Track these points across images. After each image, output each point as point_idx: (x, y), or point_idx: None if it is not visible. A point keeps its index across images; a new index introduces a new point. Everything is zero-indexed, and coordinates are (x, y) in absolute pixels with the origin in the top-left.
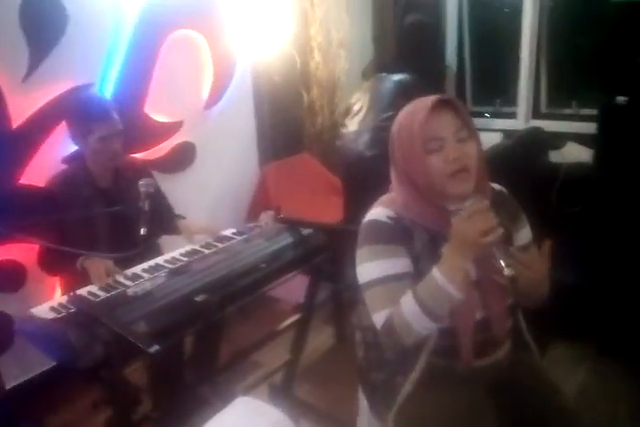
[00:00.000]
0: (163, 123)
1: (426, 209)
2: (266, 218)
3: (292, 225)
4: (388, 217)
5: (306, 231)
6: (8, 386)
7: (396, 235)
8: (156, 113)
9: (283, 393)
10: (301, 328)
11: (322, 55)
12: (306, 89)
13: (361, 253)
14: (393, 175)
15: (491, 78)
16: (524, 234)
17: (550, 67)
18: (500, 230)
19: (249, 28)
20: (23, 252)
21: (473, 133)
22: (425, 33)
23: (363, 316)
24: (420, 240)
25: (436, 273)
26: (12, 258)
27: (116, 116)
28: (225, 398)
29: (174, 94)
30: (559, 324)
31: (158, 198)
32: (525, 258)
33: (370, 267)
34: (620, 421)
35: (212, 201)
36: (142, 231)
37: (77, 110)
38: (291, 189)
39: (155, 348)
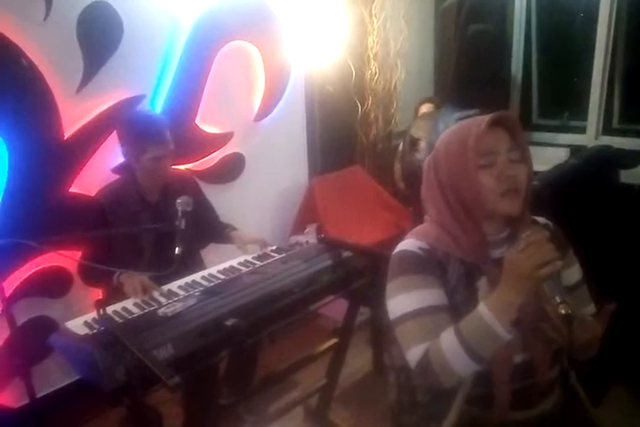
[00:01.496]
0: (213, 134)
1: (465, 237)
2: (308, 235)
3: (332, 246)
4: (420, 248)
5: (346, 253)
6: (39, 395)
7: (428, 266)
8: (207, 124)
9: (318, 417)
10: (339, 353)
11: (378, 65)
12: (360, 99)
13: (391, 286)
14: (431, 201)
15: (559, 90)
16: (573, 272)
17: (625, 78)
18: (560, 263)
19: (304, 38)
20: (70, 258)
21: (526, 157)
22: (489, 43)
23: (396, 356)
24: (455, 272)
25: (483, 309)
26: (59, 264)
27: (169, 136)
28: (259, 418)
29: (226, 106)
30: (620, 366)
31: (203, 211)
32: (581, 318)
33: (402, 299)
34: None
35: (259, 213)
36: (177, 251)
37: (132, 129)
38: (339, 203)
39: (175, 380)
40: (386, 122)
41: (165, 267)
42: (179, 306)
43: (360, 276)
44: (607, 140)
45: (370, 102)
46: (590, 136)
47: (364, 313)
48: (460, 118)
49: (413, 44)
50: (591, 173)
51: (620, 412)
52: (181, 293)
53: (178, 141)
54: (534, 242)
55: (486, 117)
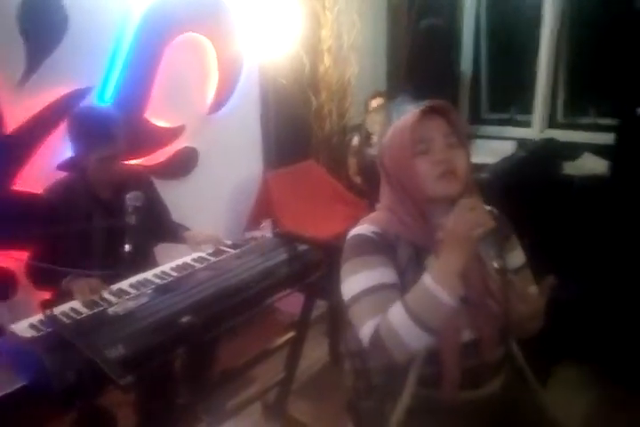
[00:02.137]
0: (164, 128)
1: (411, 220)
2: (264, 230)
3: (288, 240)
4: (372, 232)
5: (302, 247)
6: None
7: (379, 247)
8: (158, 118)
9: (276, 412)
10: (296, 346)
11: (332, 58)
12: (314, 93)
13: (344, 268)
14: (382, 188)
15: (507, 85)
16: (517, 256)
17: (569, 74)
18: (492, 222)
19: (257, 31)
20: (15, 259)
21: (463, 142)
22: (440, 37)
23: (350, 341)
24: (405, 254)
25: (426, 278)
26: (3, 266)
27: (120, 135)
28: (217, 416)
29: (177, 99)
30: (564, 346)
31: (156, 208)
32: (521, 289)
33: (354, 280)
34: None
35: (214, 208)
36: (127, 248)
37: (80, 128)
38: (294, 197)
39: (127, 379)
40: (340, 116)
41: (115, 266)
42: (130, 304)
43: (316, 269)
44: (552, 134)
45: (324, 96)
46: (536, 130)
47: (320, 306)
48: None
49: (366, 37)
50: (536, 164)
51: (566, 391)
52: (133, 291)
53: (127, 136)
54: (467, 206)
55: (421, 107)
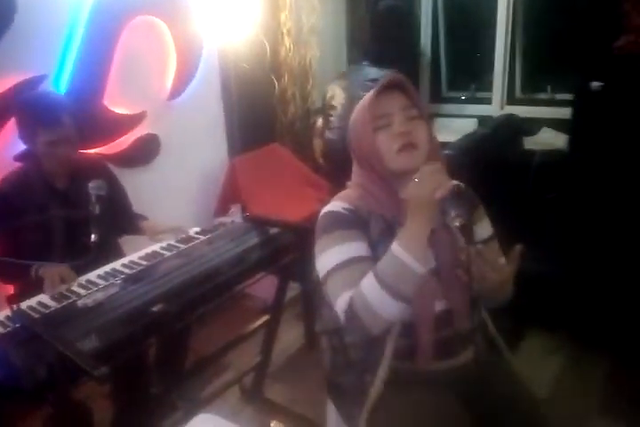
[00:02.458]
0: (123, 115)
1: (381, 195)
2: (233, 215)
3: (258, 224)
4: (344, 208)
5: (273, 230)
6: None
7: (351, 222)
8: (116, 105)
9: (253, 395)
10: (270, 330)
11: (292, 42)
12: (277, 77)
13: (318, 245)
14: (353, 165)
15: (466, 63)
16: (484, 228)
17: (525, 52)
18: (451, 183)
19: (215, 14)
20: None
21: (423, 114)
22: (398, 18)
23: (327, 319)
24: (377, 228)
25: (394, 246)
26: None
27: (67, 120)
28: (193, 403)
29: (136, 85)
30: (534, 314)
31: (117, 197)
32: (490, 258)
33: (328, 255)
34: (593, 406)
35: (179, 196)
36: (93, 238)
37: (24, 111)
38: (261, 181)
39: (101, 371)
40: (303, 99)
41: (81, 256)
42: (99, 295)
43: (288, 251)
44: (511, 110)
45: (286, 79)
46: (496, 106)
47: (293, 289)
48: (373, 79)
49: (326, 20)
50: (497, 140)
51: (535, 356)
52: (101, 282)
53: (84, 124)
54: (427, 171)
55: (379, 83)
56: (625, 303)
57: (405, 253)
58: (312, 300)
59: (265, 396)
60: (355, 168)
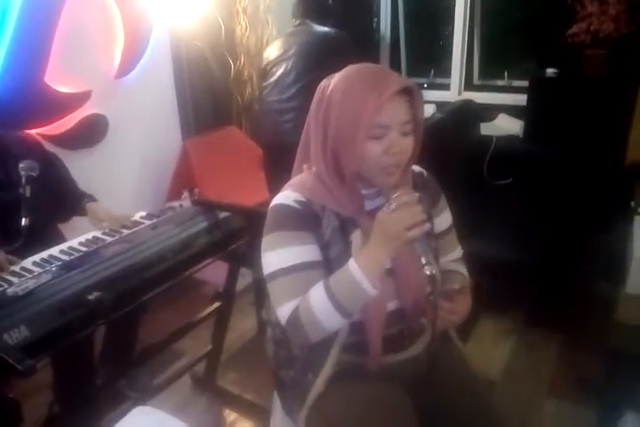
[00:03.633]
0: (67, 93)
1: (341, 196)
2: (185, 200)
3: (207, 207)
4: (296, 201)
5: (223, 214)
6: None
7: (303, 221)
8: (59, 83)
9: (205, 384)
10: (222, 317)
11: (249, 20)
12: (232, 57)
13: (266, 240)
14: (313, 151)
15: (425, 49)
16: (444, 219)
17: (483, 39)
18: (427, 226)
19: None
20: None
21: (417, 128)
22: (357, 2)
23: (272, 311)
24: (330, 226)
25: (352, 264)
26: None
27: None
28: (144, 393)
29: (80, 62)
30: (487, 297)
31: (55, 178)
32: (449, 305)
33: (275, 255)
34: (542, 389)
35: (129, 179)
36: (24, 222)
37: None
38: (215, 164)
39: (27, 363)
40: (260, 79)
41: (12, 241)
42: (30, 283)
43: (239, 236)
44: (469, 96)
45: (243, 60)
46: (454, 92)
47: (248, 275)
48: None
49: None
50: (454, 126)
51: (487, 339)
52: (37, 269)
53: (24, 102)
54: (404, 204)
55: (388, 86)
56: (574, 287)
57: (362, 274)
58: (263, 287)
59: (217, 384)
60: (318, 156)
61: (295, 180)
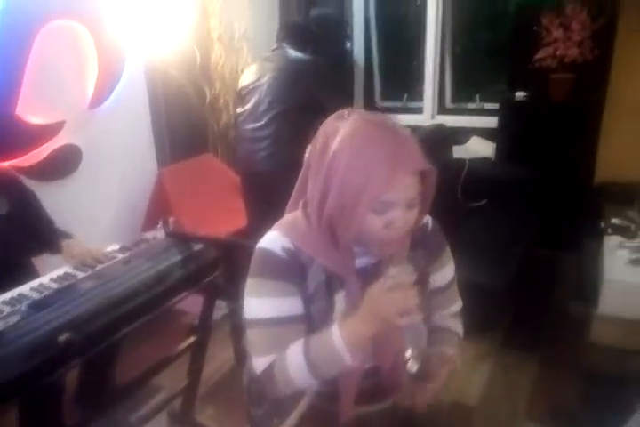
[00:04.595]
0: (38, 125)
1: (329, 248)
2: (160, 229)
3: (181, 239)
4: (284, 249)
5: (197, 246)
6: None
7: (288, 271)
8: (31, 114)
9: (183, 420)
10: (198, 351)
11: (224, 48)
12: (208, 84)
13: (250, 284)
14: (310, 200)
15: (398, 74)
16: (445, 274)
17: (454, 63)
18: (419, 317)
19: (142, 18)
20: None
21: (425, 202)
22: (331, 27)
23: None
24: (315, 280)
25: (335, 334)
26: None
27: None
28: None
29: (53, 93)
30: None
31: (27, 214)
32: (432, 386)
33: (257, 303)
34: (520, 412)
35: (103, 210)
36: None
37: None
38: (192, 192)
39: None
40: (236, 107)
41: None
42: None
43: (213, 268)
44: (442, 119)
45: (218, 87)
46: (427, 116)
47: (224, 305)
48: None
49: (258, 26)
50: (428, 151)
51: (463, 367)
52: (6, 309)
53: None
54: (400, 285)
55: (402, 165)
56: (548, 307)
57: (345, 348)
58: (240, 319)
59: (196, 420)
60: (313, 210)
61: (288, 219)
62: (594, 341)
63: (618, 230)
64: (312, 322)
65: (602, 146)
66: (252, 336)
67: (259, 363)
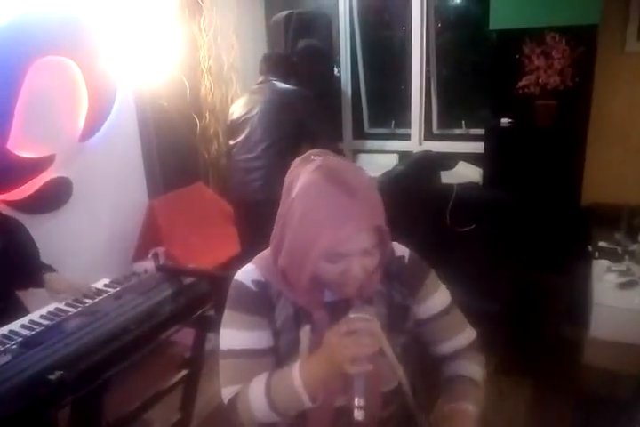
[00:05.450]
0: (28, 159)
1: (297, 283)
2: (151, 260)
3: (172, 273)
4: (254, 281)
5: (188, 279)
6: None
7: (257, 304)
8: (22, 148)
9: None
10: (190, 384)
11: (213, 79)
12: (198, 114)
13: (225, 315)
14: (272, 240)
15: (386, 100)
16: (434, 303)
17: (440, 89)
18: (370, 367)
19: (131, 52)
20: None
21: (385, 246)
22: (318, 57)
23: None
24: (283, 314)
25: (295, 373)
26: None
27: None
28: None
29: (43, 127)
30: None
31: (17, 249)
32: None
33: (228, 335)
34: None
35: (95, 241)
36: None
37: None
38: (183, 223)
39: None
40: (226, 137)
41: None
42: None
43: (204, 302)
44: (429, 145)
45: (208, 117)
46: (415, 142)
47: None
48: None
49: (247, 57)
50: (414, 177)
51: None
52: None
53: None
54: (356, 331)
55: (347, 224)
56: (541, 331)
57: (302, 386)
58: None
59: None
60: (276, 249)
61: (264, 253)
62: (587, 364)
63: (605, 254)
64: (279, 356)
65: (587, 169)
66: (222, 366)
67: (225, 393)
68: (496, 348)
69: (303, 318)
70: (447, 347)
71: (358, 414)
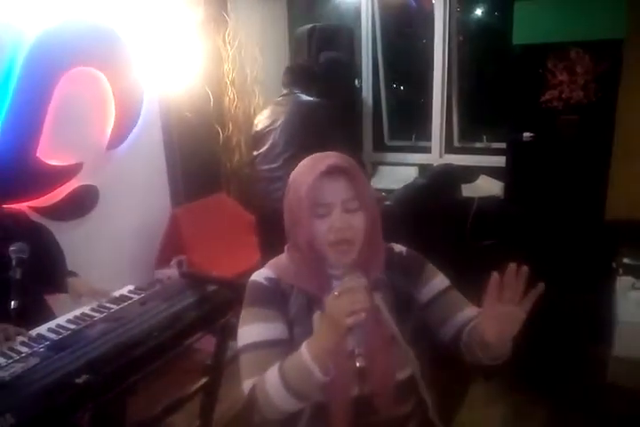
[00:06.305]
0: (57, 167)
1: (305, 270)
2: (173, 268)
3: (195, 280)
4: (266, 278)
5: (210, 287)
6: None
7: (271, 298)
8: (51, 157)
9: None
10: (210, 392)
11: (236, 91)
12: (221, 125)
13: (242, 314)
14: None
15: (407, 114)
16: (436, 283)
17: (461, 102)
18: (362, 315)
19: (157, 64)
20: None
21: (364, 205)
22: (340, 70)
23: None
24: (296, 304)
25: (304, 350)
26: None
27: None
28: None
29: (72, 136)
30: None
31: (46, 255)
32: (480, 339)
33: (246, 330)
34: None
35: (118, 248)
36: (13, 304)
37: None
38: (204, 232)
39: None
40: (248, 147)
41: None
42: (18, 368)
43: (227, 310)
44: (450, 158)
45: (231, 128)
46: (435, 155)
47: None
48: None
49: (270, 70)
50: (434, 190)
51: (476, 411)
52: (24, 350)
53: (15, 177)
54: (347, 290)
55: (321, 166)
56: (563, 349)
57: (312, 360)
58: None
59: None
60: (287, 232)
61: (276, 258)
62: (612, 383)
63: (629, 271)
64: (295, 346)
65: (611, 185)
66: (241, 362)
67: (246, 386)
68: (518, 365)
69: (315, 305)
70: (460, 318)
71: (358, 360)
